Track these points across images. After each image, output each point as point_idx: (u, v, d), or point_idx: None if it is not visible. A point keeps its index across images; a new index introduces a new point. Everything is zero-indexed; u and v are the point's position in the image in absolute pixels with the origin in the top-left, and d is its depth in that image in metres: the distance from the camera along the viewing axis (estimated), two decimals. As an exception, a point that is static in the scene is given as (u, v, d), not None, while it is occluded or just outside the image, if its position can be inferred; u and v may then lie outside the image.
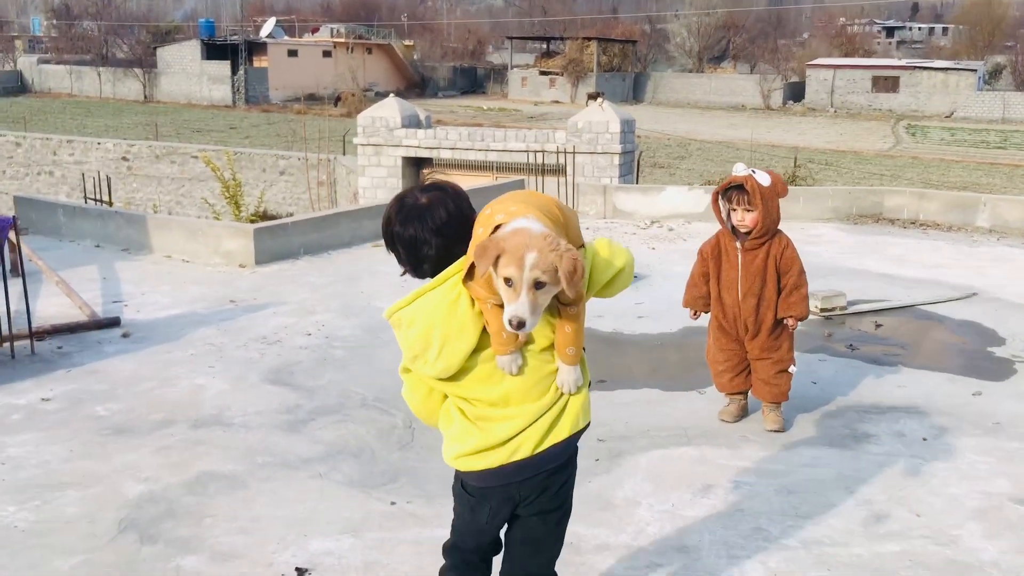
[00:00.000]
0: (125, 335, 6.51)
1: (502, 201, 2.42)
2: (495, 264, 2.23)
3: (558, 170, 19.65)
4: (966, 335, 6.69)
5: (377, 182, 22.27)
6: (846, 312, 7.21)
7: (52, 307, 7.19)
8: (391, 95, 23.90)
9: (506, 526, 2.66)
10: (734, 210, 4.69)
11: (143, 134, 40.63)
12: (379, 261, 9.02)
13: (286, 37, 72.28)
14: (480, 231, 2.34)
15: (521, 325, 2.25)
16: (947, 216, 10.96)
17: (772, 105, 67.65)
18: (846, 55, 75.61)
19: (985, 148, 49.24)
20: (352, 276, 8.41)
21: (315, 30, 79.22)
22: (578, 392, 2.54)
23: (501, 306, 2.31)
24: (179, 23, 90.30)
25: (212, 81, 64.59)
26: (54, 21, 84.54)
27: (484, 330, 2.40)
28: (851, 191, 11.44)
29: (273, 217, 23.06)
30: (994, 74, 72.27)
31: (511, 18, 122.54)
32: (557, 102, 69.02)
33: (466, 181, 17.14)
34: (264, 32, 69.03)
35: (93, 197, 20.09)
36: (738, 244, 4.74)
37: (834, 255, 9.44)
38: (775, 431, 4.79)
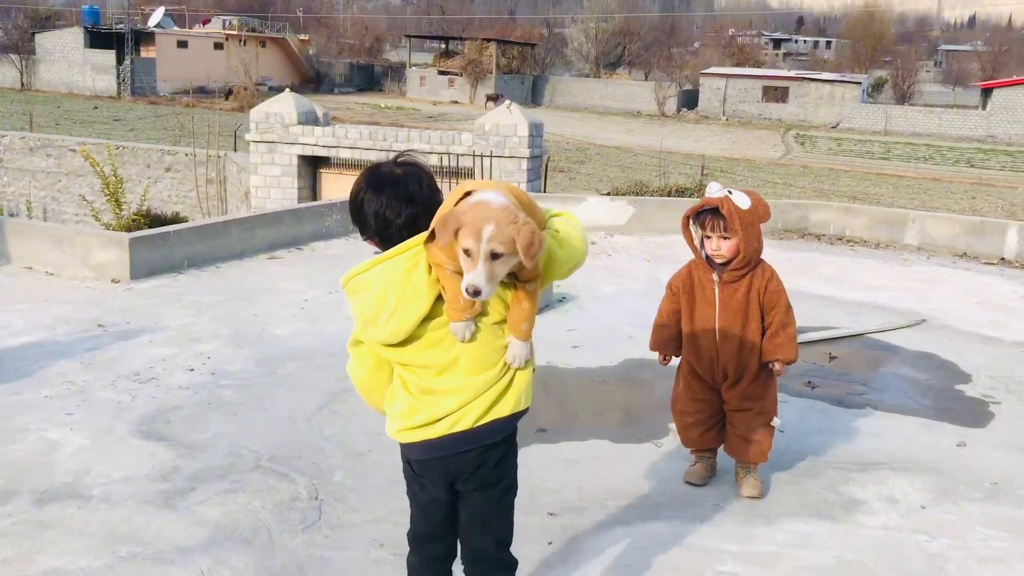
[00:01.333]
0: (-37, 371, 5.39)
1: (467, 182, 2.50)
2: (455, 235, 2.29)
3: (463, 174, 18.87)
4: (927, 370, 6.17)
5: (270, 181, 20.99)
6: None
7: None
8: (286, 90, 22.62)
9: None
10: (708, 237, 3.97)
11: (18, 124, 37.93)
12: (275, 277, 8.02)
13: (175, 27, 69.30)
14: (448, 199, 2.42)
15: (477, 293, 2.32)
16: (874, 232, 10.60)
17: (667, 112, 68.41)
18: (737, 65, 77.19)
19: (870, 158, 50.67)
20: (244, 295, 7.40)
21: (206, 21, 76.24)
22: (525, 368, 2.58)
23: (460, 273, 2.36)
24: (60, 8, 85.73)
25: (96, 71, 61.27)
26: (-81, 1, 79.07)
27: (438, 298, 2.45)
28: (776, 205, 10.97)
29: (157, 216, 21.52)
30: (876, 87, 74.93)
31: (409, 15, 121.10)
32: (456, 102, 68.19)
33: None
34: (152, 21, 65.88)
35: None
36: (715, 276, 4.00)
37: (767, 274, 8.90)
38: (753, 498, 4.08)
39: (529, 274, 2.44)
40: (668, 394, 5.51)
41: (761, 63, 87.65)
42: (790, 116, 65.82)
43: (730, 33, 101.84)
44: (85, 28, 62.35)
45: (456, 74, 70.16)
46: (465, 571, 2.78)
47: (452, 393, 2.52)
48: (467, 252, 2.30)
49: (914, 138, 59.30)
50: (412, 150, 19.41)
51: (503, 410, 2.55)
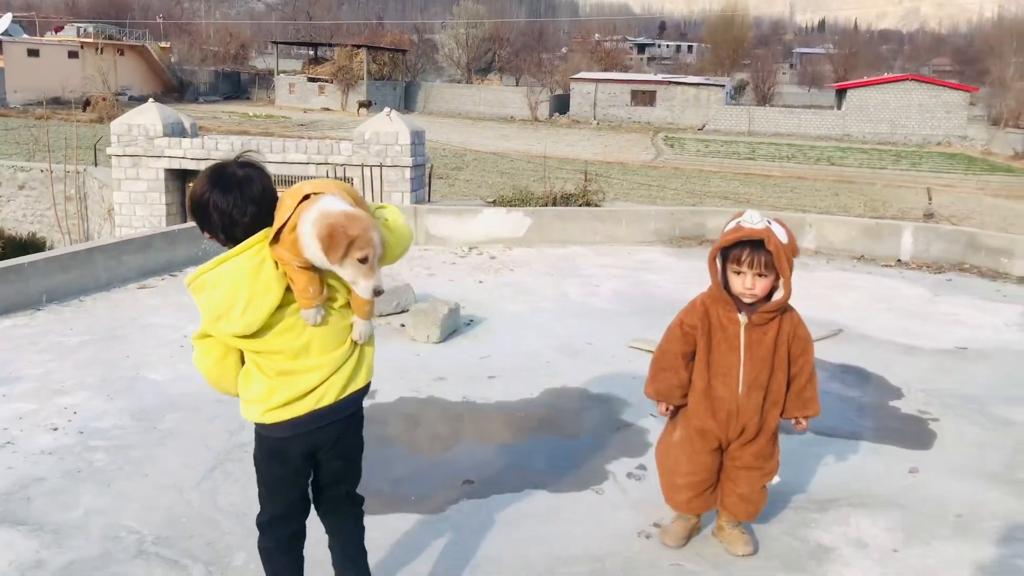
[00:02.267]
0: None
1: (303, 183, 2.65)
2: (349, 248, 2.53)
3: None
4: (857, 385, 5.93)
5: (136, 197, 19.69)
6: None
7: None
8: (149, 100, 21.31)
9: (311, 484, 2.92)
10: (740, 273, 3.35)
11: None
12: (148, 310, 7.21)
13: (25, 35, 65.26)
14: (288, 201, 2.59)
15: (381, 293, 2.66)
16: (772, 238, 10.49)
17: (539, 117, 68.80)
18: (605, 69, 78.36)
19: (737, 159, 52.09)
20: (113, 332, 6.59)
21: (59, 28, 72.21)
22: (369, 343, 2.85)
23: (305, 268, 2.59)
24: None
25: (-66, 82, 57.13)
26: None
27: (287, 289, 2.63)
28: (673, 212, 10.76)
29: (12, 238, 19.94)
30: (739, 90, 77.43)
31: (274, 21, 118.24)
32: (327, 109, 66.74)
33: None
34: (-2, 29, 61.97)
35: None
36: (742, 318, 3.43)
37: (674, 285, 8.61)
38: (747, 555, 3.65)
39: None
40: (597, 425, 5.11)
41: (627, 68, 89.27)
42: (658, 119, 67.17)
43: (596, 38, 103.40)
44: (-79, 36, 58.06)
45: (326, 81, 68.66)
46: (322, 516, 3.01)
47: (311, 371, 2.72)
48: (364, 260, 2.58)
49: (776, 138, 61.41)
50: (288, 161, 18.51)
51: (358, 383, 2.83)
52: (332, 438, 2.82)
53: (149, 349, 6.18)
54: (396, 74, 74.08)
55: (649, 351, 6.41)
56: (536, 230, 10.37)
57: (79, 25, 71.30)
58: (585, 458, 4.65)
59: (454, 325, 6.78)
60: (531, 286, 8.46)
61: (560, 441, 4.89)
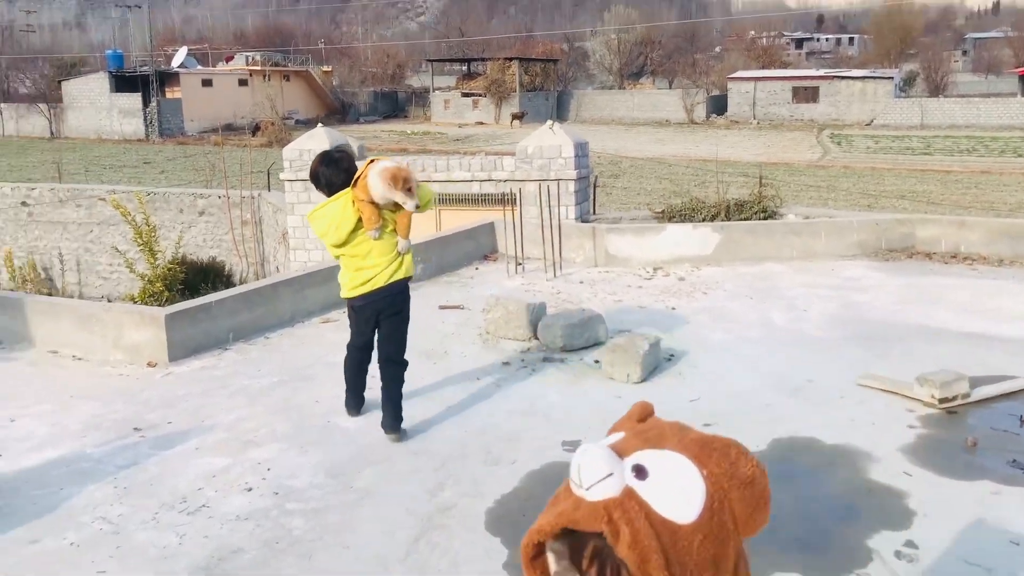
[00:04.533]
0: (-27, 508, 4.39)
1: (377, 158, 5.06)
2: (400, 182, 4.80)
3: (506, 200, 17.83)
4: None
5: (308, 220, 20.08)
6: (969, 401, 5.44)
7: None
8: (318, 124, 21.75)
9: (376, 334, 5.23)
10: None
11: (49, 173, 37.50)
12: (333, 347, 6.96)
13: (199, 67, 69.08)
14: (367, 169, 4.85)
15: (417, 208, 4.92)
16: (994, 248, 9.39)
17: (696, 119, 67.20)
18: (763, 67, 75.84)
19: (911, 154, 49.08)
20: (301, 372, 6.37)
21: (229, 59, 76.05)
22: (407, 253, 5.10)
23: (370, 203, 4.85)
24: (84, 55, 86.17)
25: (123, 114, 61.07)
26: (-50, 57, 79.79)
27: (357, 221, 4.90)
28: (878, 222, 9.80)
29: (193, 263, 20.70)
30: (908, 81, 73.21)
31: (428, 40, 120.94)
32: (481, 123, 67.40)
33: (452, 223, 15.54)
34: (176, 62, 65.68)
35: None
36: None
37: (890, 306, 7.73)
38: None
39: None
40: (843, 487, 4.41)
41: (786, 64, 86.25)
42: (822, 116, 64.39)
43: (751, 36, 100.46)
44: (110, 73, 62.21)
45: (480, 95, 69.37)
46: (380, 369, 5.19)
47: (371, 268, 4.99)
48: (409, 189, 4.79)
49: (953, 130, 57.60)
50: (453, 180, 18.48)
51: (399, 276, 5.05)
52: (383, 306, 5.09)
53: (338, 391, 5.87)
54: (548, 84, 74.14)
55: (885, 390, 5.65)
56: (725, 247, 9.65)
57: (247, 54, 74.90)
58: (837, 531, 3.98)
59: (655, 362, 6.20)
60: (730, 311, 7.76)
61: (802, 507, 4.23)
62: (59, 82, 64.93)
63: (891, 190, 35.75)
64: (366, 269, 4.97)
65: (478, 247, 10.28)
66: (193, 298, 18.24)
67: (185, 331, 6.74)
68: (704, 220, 17.26)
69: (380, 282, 4.96)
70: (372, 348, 5.24)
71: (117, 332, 6.78)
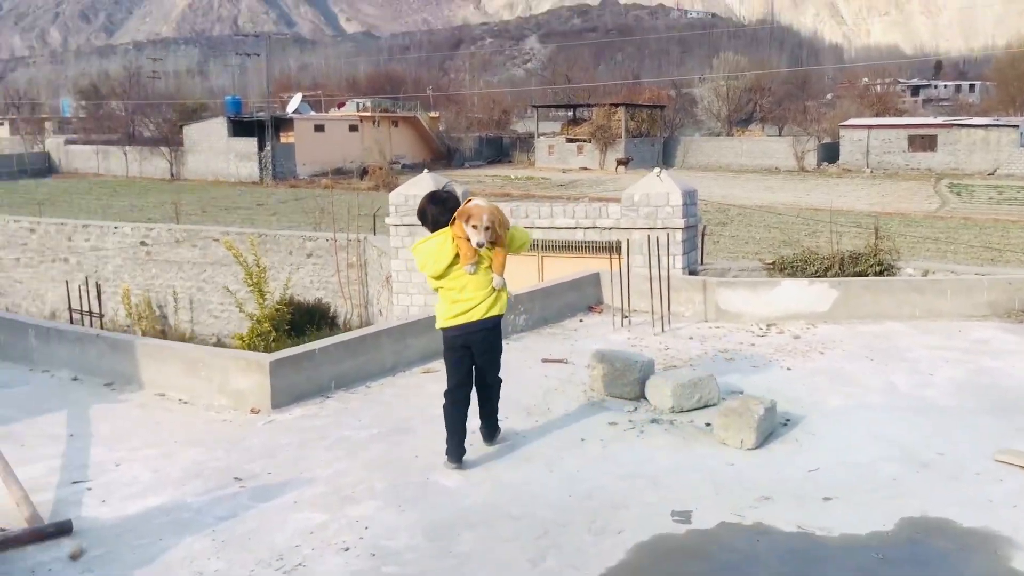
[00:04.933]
0: (74, 556, 4.36)
1: (471, 198, 5.48)
2: (473, 220, 5.20)
3: (611, 248, 17.61)
4: None
5: (411, 265, 20.18)
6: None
7: (-17, 496, 5.08)
8: (424, 169, 22.04)
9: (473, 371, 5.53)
10: None
11: (168, 213, 39.08)
12: (434, 399, 6.81)
13: (312, 112, 71.42)
14: (461, 209, 5.32)
15: (480, 245, 5.20)
16: None
17: (806, 167, 65.79)
18: (878, 115, 73.90)
19: (1038, 206, 46.80)
20: (401, 425, 6.26)
21: (341, 105, 78.50)
22: (502, 290, 5.39)
23: (464, 240, 5.24)
24: (205, 101, 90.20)
25: (239, 158, 63.51)
26: (83, 103, 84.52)
27: (456, 255, 5.28)
28: (1011, 280, 9.19)
29: (300, 304, 21.10)
30: (1034, 130, 70.12)
31: (534, 87, 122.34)
32: (586, 169, 67.46)
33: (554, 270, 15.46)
34: (291, 108, 68.13)
35: (79, 309, 18.01)
36: None
37: (1030, 374, 7.19)
38: None
39: (500, 242, 5.32)
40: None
41: (902, 111, 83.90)
42: (940, 165, 62.20)
43: (864, 82, 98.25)
44: (228, 118, 64.88)
45: (584, 140, 69.55)
46: (479, 398, 5.56)
47: (467, 301, 5.30)
48: (475, 226, 5.20)
49: (1086, 183, 54.86)
50: (556, 227, 18.41)
51: (493, 312, 5.36)
52: (475, 340, 5.35)
53: (439, 447, 5.73)
54: (654, 130, 73.90)
55: (1027, 469, 5.18)
56: (843, 304, 9.20)
57: (358, 101, 77.12)
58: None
59: (770, 427, 5.86)
60: (849, 374, 7.34)
61: (939, 599, 3.86)
62: (180, 126, 68.00)
63: (1017, 244, 34.08)
64: (461, 302, 5.31)
65: (582, 298, 10.08)
66: (298, 338, 18.59)
67: (289, 378, 6.73)
68: (817, 272, 16.68)
69: (475, 316, 5.30)
70: (470, 390, 5.47)
71: (222, 377, 6.82)
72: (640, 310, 9.57)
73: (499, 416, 5.75)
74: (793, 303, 9.23)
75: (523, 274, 15.40)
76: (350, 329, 21.96)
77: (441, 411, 5.50)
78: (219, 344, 24.50)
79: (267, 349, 17.55)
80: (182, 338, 26.15)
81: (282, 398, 6.65)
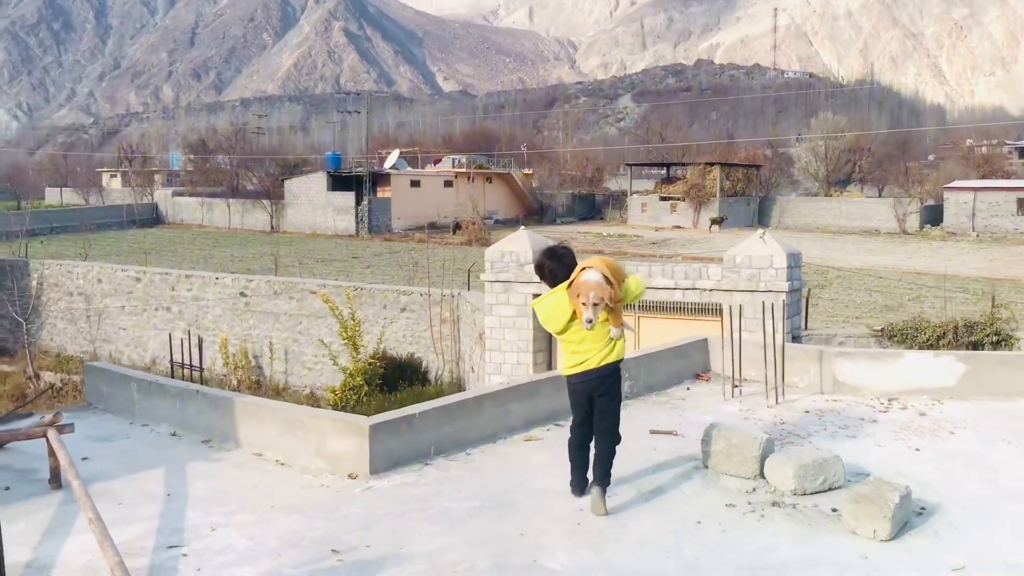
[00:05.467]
0: (167, 630, 4.17)
1: (586, 260, 5.73)
2: (579, 294, 5.48)
3: (711, 310, 17.11)
4: None
5: (505, 322, 20.04)
6: None
7: (77, 555, 4.96)
8: (520, 226, 21.98)
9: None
10: None
11: (267, 264, 40.00)
12: (537, 469, 6.53)
13: (409, 168, 72.79)
14: (576, 271, 5.60)
15: (589, 322, 5.45)
16: None
17: (908, 229, 63.83)
18: (983, 177, 71.51)
19: None
20: (504, 499, 5.94)
21: (437, 161, 79.84)
22: (619, 339, 5.73)
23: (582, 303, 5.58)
24: (306, 156, 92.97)
25: (336, 211, 64.95)
26: (191, 156, 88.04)
27: (573, 313, 5.60)
28: None
29: (393, 359, 21.06)
30: None
31: (627, 145, 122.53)
32: (679, 227, 66.79)
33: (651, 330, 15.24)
34: (388, 164, 69.55)
35: (180, 362, 18.28)
36: None
37: None
38: None
39: (614, 301, 5.55)
40: None
41: (1009, 174, 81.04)
42: (1051, 229, 59.68)
43: (968, 144, 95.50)
44: (328, 173, 66.58)
45: (678, 199, 69.01)
46: (595, 443, 5.85)
47: (587, 352, 5.70)
48: (584, 303, 5.44)
49: None
50: (653, 287, 18.03)
51: (609, 359, 5.72)
52: (594, 386, 5.72)
53: (544, 525, 5.42)
54: (749, 189, 72.95)
55: None
56: (972, 378, 8.58)
57: (454, 157, 78.33)
58: None
59: (905, 516, 5.36)
60: (986, 457, 6.75)
61: None
62: (282, 180, 70.02)
63: None
64: (580, 353, 5.70)
65: (689, 365, 9.67)
66: (390, 393, 18.43)
67: (387, 442, 6.51)
68: (928, 340, 15.86)
69: (592, 364, 5.67)
70: (590, 430, 5.86)
71: (320, 439, 6.65)
72: (751, 379, 9.11)
73: (610, 479, 5.78)
74: (916, 376, 8.64)
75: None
76: (441, 385, 21.85)
77: (546, 487, 5.74)
78: (312, 396, 24.67)
79: (359, 403, 17.50)
80: (276, 389, 26.45)
81: (380, 463, 6.43)
